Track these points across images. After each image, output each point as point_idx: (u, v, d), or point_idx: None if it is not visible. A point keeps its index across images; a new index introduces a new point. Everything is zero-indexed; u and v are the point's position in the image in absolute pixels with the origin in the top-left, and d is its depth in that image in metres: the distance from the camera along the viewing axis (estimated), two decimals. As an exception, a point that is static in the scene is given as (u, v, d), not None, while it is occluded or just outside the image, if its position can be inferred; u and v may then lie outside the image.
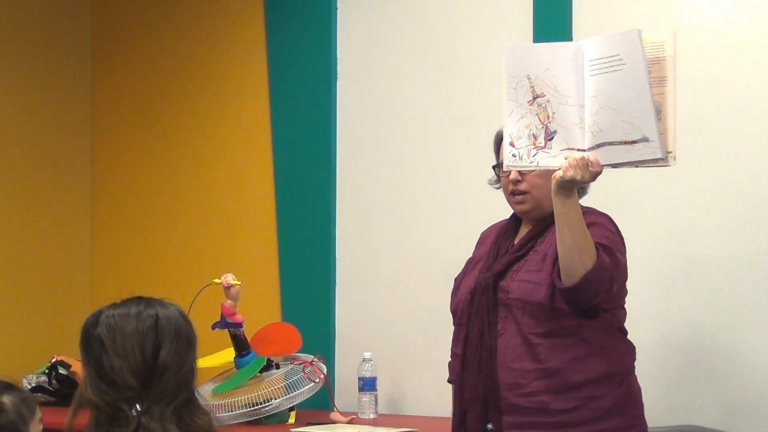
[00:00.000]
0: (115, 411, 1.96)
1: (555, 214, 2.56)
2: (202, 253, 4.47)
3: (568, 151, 2.52)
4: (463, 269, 2.93)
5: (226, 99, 4.47)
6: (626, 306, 3.44)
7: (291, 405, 3.61)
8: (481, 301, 2.73)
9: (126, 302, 2.05)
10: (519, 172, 2.72)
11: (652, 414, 3.34)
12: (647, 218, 3.44)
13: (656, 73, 2.45)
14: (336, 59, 4.12)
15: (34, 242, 4.64)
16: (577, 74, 2.51)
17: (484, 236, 2.97)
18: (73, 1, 4.84)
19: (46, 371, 4.25)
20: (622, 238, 2.73)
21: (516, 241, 2.81)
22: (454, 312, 2.85)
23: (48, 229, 4.70)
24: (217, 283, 3.68)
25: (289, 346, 3.77)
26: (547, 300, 2.64)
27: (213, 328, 3.65)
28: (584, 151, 2.50)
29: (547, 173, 2.60)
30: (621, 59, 2.44)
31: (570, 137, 2.52)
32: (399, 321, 3.90)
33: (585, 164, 2.49)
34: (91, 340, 2.00)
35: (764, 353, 3.24)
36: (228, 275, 3.68)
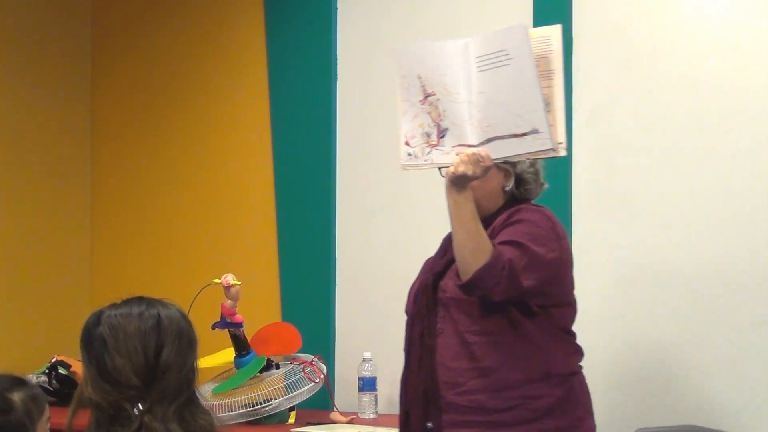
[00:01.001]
0: (117, 410, 1.96)
1: (448, 210, 2.60)
2: (202, 253, 4.47)
3: (460, 147, 2.56)
4: (418, 273, 2.95)
5: (226, 99, 4.48)
6: (626, 306, 3.44)
7: (291, 405, 3.61)
8: (422, 300, 2.75)
9: (127, 302, 2.05)
10: None
11: (651, 413, 3.35)
12: (647, 218, 3.44)
13: (543, 66, 2.49)
14: (336, 59, 4.12)
15: (34, 242, 4.65)
16: (466, 71, 2.54)
17: (442, 241, 2.97)
18: (73, 1, 4.84)
19: (46, 371, 4.25)
20: (556, 233, 2.68)
21: None
22: (406, 313, 2.88)
23: (48, 229, 4.70)
24: (217, 283, 3.68)
25: (289, 346, 3.77)
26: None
27: (213, 328, 3.65)
28: (475, 146, 2.54)
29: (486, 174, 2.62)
30: (507, 54, 2.48)
31: (461, 133, 2.57)
32: (399, 321, 3.88)
33: (476, 159, 2.52)
34: (92, 340, 2.00)
35: (764, 353, 3.24)
36: (228, 275, 3.68)
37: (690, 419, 3.24)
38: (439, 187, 3.88)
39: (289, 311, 4.18)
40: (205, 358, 3.63)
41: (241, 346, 3.71)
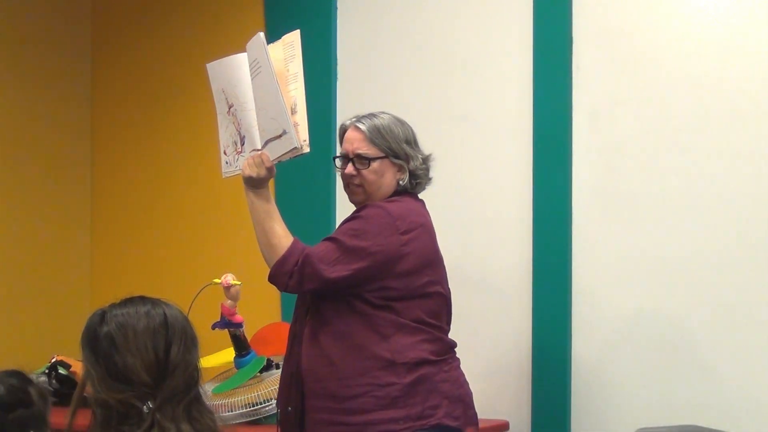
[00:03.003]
0: (127, 408, 1.95)
1: (248, 209, 2.78)
2: (202, 253, 4.47)
3: (254, 151, 2.76)
4: None
5: (226, 99, 4.47)
6: (625, 305, 3.44)
7: (291, 405, 3.61)
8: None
9: (130, 301, 2.04)
10: (354, 167, 2.84)
11: (651, 413, 3.35)
12: (647, 218, 3.44)
13: (292, 69, 2.68)
14: (336, 59, 4.12)
15: (34, 243, 4.64)
16: (248, 81, 2.76)
17: None
18: (73, 1, 4.84)
19: (46, 371, 4.25)
20: (394, 227, 2.75)
21: None
22: None
23: (48, 230, 4.70)
24: (217, 283, 3.68)
25: (289, 346, 3.76)
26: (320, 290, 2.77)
27: (213, 328, 3.64)
28: (259, 150, 2.74)
29: (380, 169, 2.80)
30: (258, 63, 2.69)
31: (253, 139, 2.78)
32: (399, 321, 3.89)
33: (260, 161, 2.74)
34: (99, 339, 1.99)
35: (764, 353, 3.24)
36: (228, 275, 3.68)
37: (690, 419, 3.24)
38: (438, 186, 3.90)
39: (289, 311, 4.15)
40: (205, 358, 3.63)
41: (241, 346, 3.71)
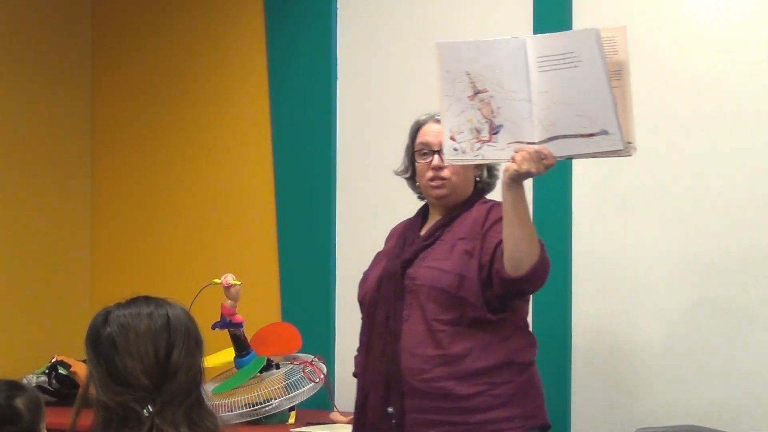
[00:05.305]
0: (127, 411, 1.93)
1: (504, 206, 2.61)
2: (202, 253, 4.47)
3: (517, 144, 2.55)
4: (370, 264, 3.00)
5: (226, 99, 4.47)
6: (624, 306, 3.45)
7: (291, 405, 3.61)
8: (388, 287, 2.79)
9: (134, 301, 2.02)
10: (441, 158, 2.77)
11: (651, 413, 3.35)
12: (647, 218, 3.44)
13: (611, 67, 2.51)
14: (336, 59, 4.12)
15: (34, 242, 4.64)
16: (523, 70, 2.52)
17: (392, 232, 3.06)
18: (73, 1, 4.84)
19: (46, 371, 4.25)
20: None
21: (423, 232, 2.89)
22: (362, 301, 2.92)
23: (48, 229, 4.70)
24: (217, 283, 3.68)
25: (289, 346, 3.77)
26: (453, 288, 2.70)
27: (213, 328, 3.64)
28: (535, 144, 2.53)
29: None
30: (576, 56, 2.48)
31: (518, 131, 2.55)
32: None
33: (538, 157, 2.52)
34: (101, 340, 1.97)
35: (764, 353, 3.24)
36: (228, 275, 3.68)
37: (690, 419, 3.24)
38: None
39: (289, 311, 4.17)
40: (205, 358, 3.62)
41: (241, 346, 3.71)
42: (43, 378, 4.23)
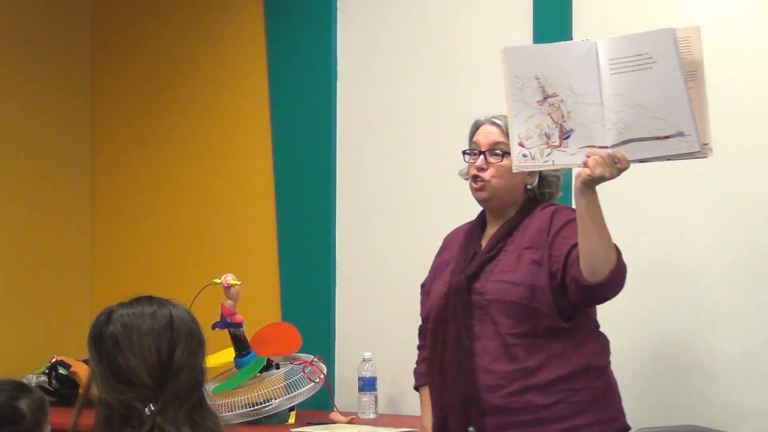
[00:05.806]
0: (129, 410, 1.93)
1: (579, 211, 2.56)
2: (202, 253, 4.47)
3: (589, 148, 2.52)
4: (430, 274, 2.94)
5: (226, 99, 4.47)
6: (624, 306, 3.44)
7: (291, 405, 3.61)
8: (456, 303, 2.73)
9: (137, 301, 2.02)
10: (486, 159, 2.75)
11: (652, 414, 3.34)
12: (647, 218, 3.44)
13: (687, 67, 2.47)
14: (336, 59, 4.12)
15: (34, 242, 4.65)
16: (594, 72, 2.50)
17: (449, 240, 2.98)
18: (73, 1, 4.84)
19: (46, 371, 4.25)
20: None
21: (484, 242, 2.82)
22: (427, 317, 2.87)
23: (48, 229, 4.70)
24: (217, 283, 3.68)
25: (289, 346, 3.77)
26: (525, 300, 2.66)
27: (213, 328, 3.64)
28: (607, 148, 2.50)
29: (511, 165, 2.63)
30: (651, 57, 2.45)
31: (590, 135, 2.52)
32: (399, 321, 3.89)
33: (611, 161, 2.49)
34: (104, 339, 1.97)
35: (763, 353, 3.23)
36: (228, 275, 3.68)
37: (690, 419, 3.24)
38: (439, 186, 3.89)
39: (289, 311, 4.17)
40: (206, 357, 3.63)
41: (241, 346, 3.71)
42: (43, 378, 4.23)
